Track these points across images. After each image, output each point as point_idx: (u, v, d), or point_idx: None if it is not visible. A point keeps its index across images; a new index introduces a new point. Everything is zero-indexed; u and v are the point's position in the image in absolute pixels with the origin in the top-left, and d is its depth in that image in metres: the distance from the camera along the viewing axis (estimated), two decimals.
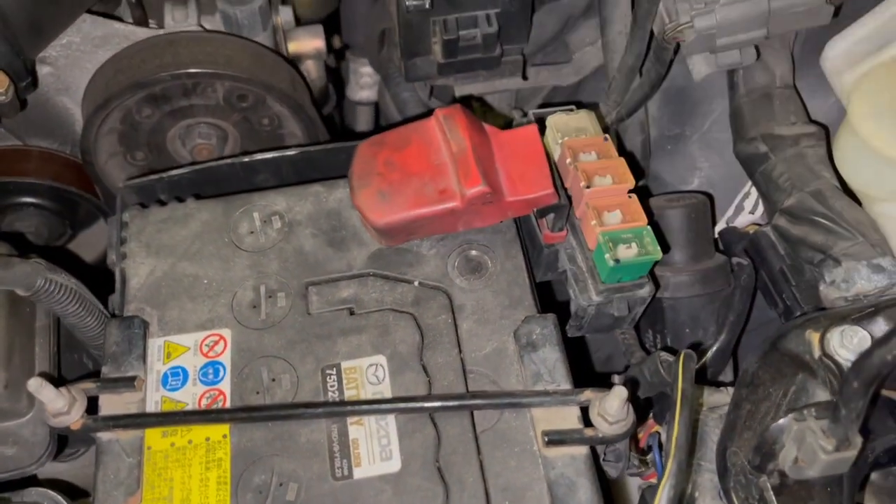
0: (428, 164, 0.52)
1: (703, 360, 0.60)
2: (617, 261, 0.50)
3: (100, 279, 0.63)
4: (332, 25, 0.89)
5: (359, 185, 0.53)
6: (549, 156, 0.55)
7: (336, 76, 0.92)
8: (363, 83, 0.94)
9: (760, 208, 0.66)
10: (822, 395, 0.46)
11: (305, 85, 0.74)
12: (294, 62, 0.76)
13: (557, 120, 0.57)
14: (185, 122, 0.70)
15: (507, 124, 0.59)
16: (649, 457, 0.61)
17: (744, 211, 0.67)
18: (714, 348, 0.60)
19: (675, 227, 0.61)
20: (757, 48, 0.58)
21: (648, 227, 0.52)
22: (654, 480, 0.60)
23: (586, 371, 0.71)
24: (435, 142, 0.53)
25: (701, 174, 0.69)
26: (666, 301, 0.61)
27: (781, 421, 0.42)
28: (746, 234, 0.63)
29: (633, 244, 0.51)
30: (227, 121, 0.70)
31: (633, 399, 0.47)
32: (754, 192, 0.67)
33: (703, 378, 0.58)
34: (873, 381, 0.37)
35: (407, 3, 0.62)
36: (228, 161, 0.62)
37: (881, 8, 0.56)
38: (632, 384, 0.54)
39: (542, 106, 0.64)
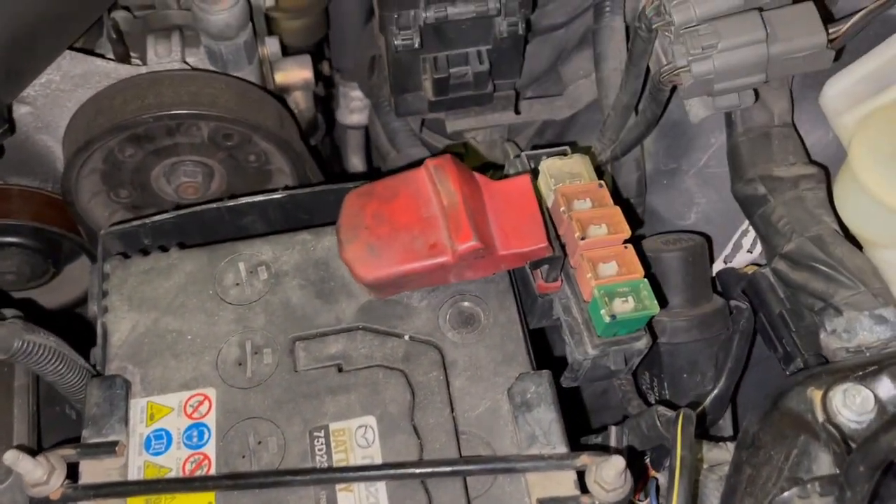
0: (418, 217, 0.51)
1: (702, 407, 0.59)
2: (613, 316, 0.49)
3: (83, 321, 0.61)
4: (320, 52, 0.88)
5: (346, 238, 0.51)
6: (541, 203, 0.53)
7: (325, 101, 0.91)
8: (353, 107, 0.92)
9: (759, 247, 0.65)
10: (825, 458, 0.45)
11: (293, 118, 0.72)
12: (281, 94, 0.75)
13: (551, 165, 0.56)
14: (170, 161, 0.68)
15: (497, 167, 0.58)
16: (645, 502, 0.59)
17: (742, 249, 0.65)
18: (712, 395, 0.59)
19: (671, 271, 0.60)
20: (755, 90, 0.57)
21: (645, 279, 0.50)
22: None
23: (579, 413, 0.70)
24: (425, 193, 0.51)
25: (698, 209, 0.67)
26: (663, 346, 0.60)
27: (785, 495, 0.41)
28: (745, 276, 0.62)
29: (630, 298, 0.50)
30: (212, 158, 0.69)
31: (630, 462, 0.45)
32: (752, 231, 0.65)
33: (702, 431, 0.57)
34: (879, 466, 0.35)
35: (396, 42, 0.60)
36: (214, 205, 0.60)
37: (882, 48, 0.55)
38: (629, 449, 0.52)
39: (534, 145, 0.62)
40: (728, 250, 0.66)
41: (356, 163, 0.97)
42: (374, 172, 0.90)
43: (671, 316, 0.60)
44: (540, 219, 0.51)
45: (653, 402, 0.62)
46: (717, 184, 0.66)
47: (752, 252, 0.65)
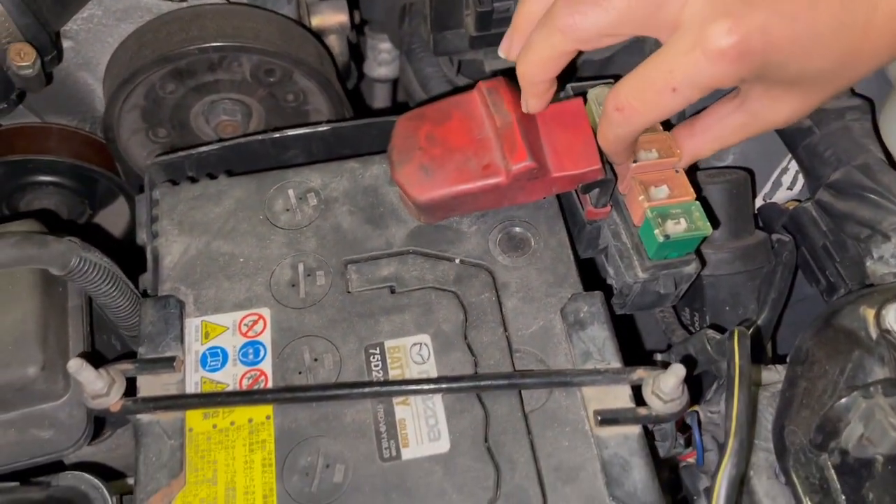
0: (471, 138, 0.51)
1: (753, 327, 0.59)
2: (667, 236, 0.49)
3: (124, 258, 0.61)
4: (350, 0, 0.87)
5: (399, 160, 0.51)
6: (592, 129, 0.53)
7: (354, 53, 0.90)
8: (381, 59, 0.92)
9: (799, 184, 0.65)
10: (880, 371, 0.45)
11: (332, 60, 0.72)
12: (318, 36, 0.75)
13: (599, 93, 0.56)
14: (210, 98, 0.68)
15: None
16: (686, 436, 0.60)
17: (782, 187, 0.66)
18: (756, 324, 0.59)
19: (715, 204, 0.60)
20: None
21: (697, 202, 0.51)
22: (692, 460, 0.59)
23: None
24: (478, 115, 0.51)
25: (736, 149, 0.67)
26: (706, 278, 0.60)
27: (846, 399, 0.41)
28: (786, 210, 0.62)
29: (682, 220, 0.50)
30: (252, 97, 0.69)
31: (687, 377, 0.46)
32: (792, 168, 0.65)
33: (755, 355, 0.57)
34: None
35: None
36: (259, 137, 0.60)
37: None
38: (687, 361, 0.53)
39: (577, 77, 0.62)
40: (767, 188, 0.66)
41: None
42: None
43: (714, 248, 0.60)
44: (593, 141, 0.51)
45: None
46: None
47: (791, 189, 0.66)
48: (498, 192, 0.51)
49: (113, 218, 0.78)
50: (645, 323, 0.70)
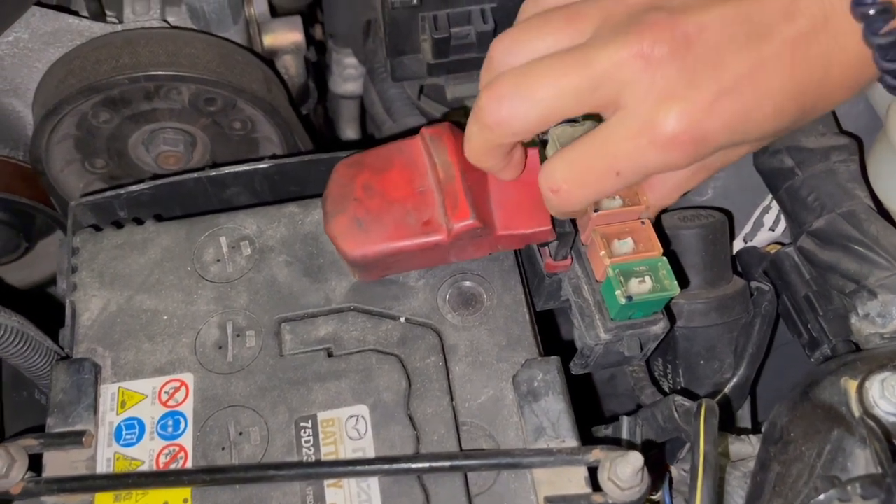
0: (411, 190, 0.46)
1: (723, 395, 0.54)
2: (629, 298, 0.44)
3: (57, 300, 0.57)
4: (312, 15, 0.83)
5: (333, 210, 0.46)
6: None
7: (318, 69, 0.85)
8: (347, 75, 0.87)
9: (782, 224, 0.60)
10: (861, 454, 0.41)
11: (282, 83, 0.67)
12: (270, 58, 0.70)
13: (561, 133, 0.50)
14: (149, 128, 0.63)
15: None
16: (658, 495, 0.56)
17: (763, 227, 0.61)
18: (732, 383, 0.55)
19: (689, 249, 0.55)
20: None
21: (664, 258, 0.46)
22: None
23: (587, 397, 0.66)
24: (420, 165, 0.46)
25: (717, 185, 0.62)
26: (679, 330, 0.56)
27: (822, 497, 0.37)
28: (767, 255, 0.57)
29: (647, 278, 0.45)
30: (194, 125, 0.64)
31: (646, 458, 0.41)
32: (775, 207, 0.61)
33: (725, 423, 0.53)
34: None
35: None
36: (194, 175, 0.55)
37: None
38: (645, 445, 0.48)
39: None
40: (748, 228, 0.62)
41: (350, 134, 0.92)
42: (369, 142, 0.85)
43: (688, 298, 0.55)
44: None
45: (666, 389, 0.58)
46: None
47: (774, 230, 0.61)
48: (438, 250, 0.46)
49: (52, 249, 0.74)
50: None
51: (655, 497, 0.56)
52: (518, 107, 0.37)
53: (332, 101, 0.92)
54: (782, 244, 0.59)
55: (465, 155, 0.44)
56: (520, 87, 0.38)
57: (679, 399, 0.48)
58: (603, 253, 0.46)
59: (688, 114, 0.35)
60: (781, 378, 0.61)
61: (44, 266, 0.74)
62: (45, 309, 0.55)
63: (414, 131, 0.48)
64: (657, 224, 0.48)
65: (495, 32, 0.60)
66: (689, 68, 0.36)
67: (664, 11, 0.36)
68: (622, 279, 0.45)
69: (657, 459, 0.53)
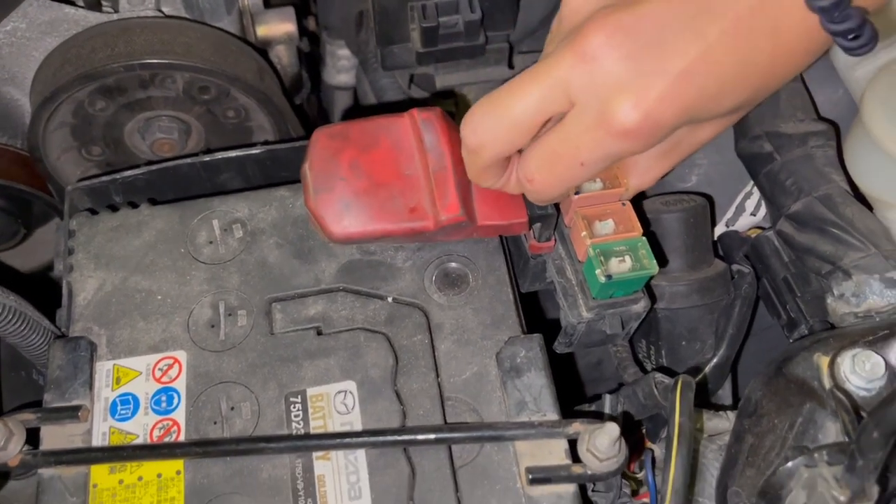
0: (398, 173, 0.47)
1: (701, 375, 0.56)
2: (609, 276, 0.46)
3: (55, 284, 0.58)
4: (305, 6, 0.84)
5: (318, 187, 0.47)
6: None
7: (311, 60, 0.87)
8: (340, 66, 0.88)
9: (763, 209, 0.62)
10: (832, 426, 0.42)
11: (275, 73, 0.68)
12: (263, 48, 0.71)
13: None
14: (144, 116, 0.64)
15: None
16: (641, 474, 0.57)
17: (745, 212, 0.62)
18: (712, 363, 0.56)
19: (671, 233, 0.57)
20: None
21: (644, 238, 0.47)
22: (646, 500, 0.56)
23: (573, 381, 0.67)
24: (407, 147, 0.48)
25: (700, 171, 0.64)
26: (661, 312, 0.57)
27: (790, 464, 0.38)
28: (748, 239, 0.59)
29: (627, 258, 0.47)
30: (189, 113, 0.65)
31: (625, 431, 0.43)
32: (756, 192, 0.62)
33: (702, 400, 0.54)
34: (894, 433, 0.33)
35: None
36: (188, 161, 0.57)
37: None
38: (625, 416, 0.49)
39: None
40: (730, 213, 0.63)
41: None
42: None
43: (670, 280, 0.57)
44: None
45: (650, 370, 0.59)
46: (720, 144, 0.62)
47: (755, 215, 0.62)
48: (422, 235, 0.48)
49: (50, 236, 0.75)
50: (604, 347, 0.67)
51: (639, 476, 0.57)
52: (489, 128, 0.41)
53: (325, 93, 0.93)
54: (762, 228, 0.60)
55: (455, 145, 0.46)
56: (487, 110, 0.41)
57: (659, 376, 0.49)
58: (584, 234, 0.47)
59: (637, 102, 0.36)
60: (762, 361, 0.62)
61: (41, 253, 0.75)
62: (41, 293, 0.56)
63: (398, 108, 0.49)
64: (638, 207, 0.49)
65: (482, 21, 0.61)
66: (632, 57, 0.37)
67: (602, 11, 0.38)
68: (602, 259, 0.46)
69: (637, 437, 0.55)
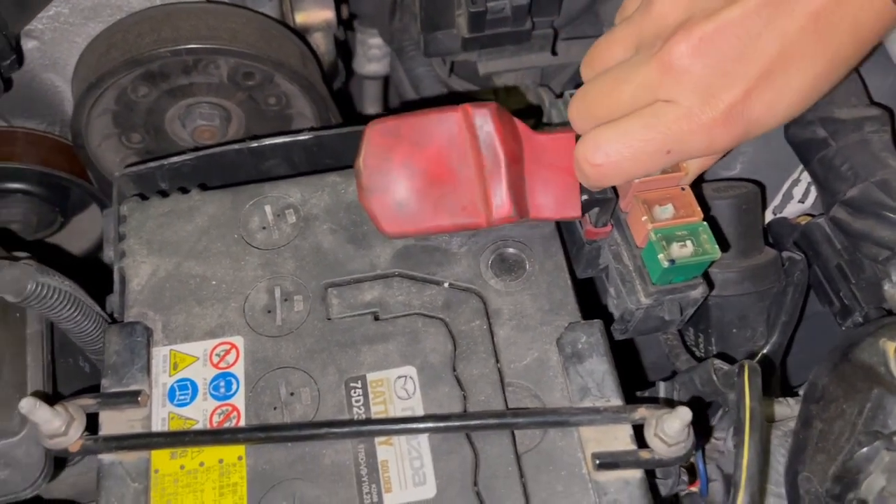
0: (451, 170, 0.47)
1: (761, 356, 0.55)
2: (672, 261, 0.45)
3: (94, 272, 0.58)
4: None
5: (371, 185, 0.47)
6: None
7: (343, 49, 0.86)
8: (371, 56, 0.88)
9: (811, 197, 0.61)
10: None
11: (316, 60, 0.68)
12: (302, 35, 0.70)
13: None
14: (186, 102, 0.64)
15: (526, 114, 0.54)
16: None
17: (793, 199, 0.62)
18: (765, 351, 0.56)
19: (723, 220, 0.56)
20: None
21: (705, 223, 0.47)
22: (695, 489, 0.56)
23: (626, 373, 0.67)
24: (461, 144, 0.47)
25: (745, 159, 0.63)
26: (712, 299, 0.57)
27: (867, 449, 0.38)
28: (798, 226, 0.58)
29: (689, 242, 0.46)
30: (230, 100, 0.64)
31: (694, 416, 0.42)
32: (804, 179, 0.61)
33: (765, 388, 0.53)
34: None
35: None
36: (235, 147, 0.56)
37: None
38: (696, 403, 0.49)
39: (576, 84, 0.58)
40: (778, 200, 0.62)
41: (373, 115, 0.93)
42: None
43: (721, 267, 0.56)
44: (577, 185, 0.47)
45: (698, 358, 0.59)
46: None
47: (803, 202, 0.62)
48: (473, 228, 0.48)
49: (86, 225, 0.74)
50: (647, 338, 0.67)
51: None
52: (610, 138, 0.43)
53: (355, 83, 0.92)
54: (812, 216, 0.60)
55: (510, 140, 0.45)
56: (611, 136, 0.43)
57: (718, 362, 0.49)
58: (645, 218, 0.47)
59: (727, 105, 0.39)
60: (809, 348, 0.62)
61: (78, 241, 0.75)
62: (84, 276, 0.56)
63: (451, 101, 0.49)
64: (696, 191, 0.49)
65: (531, 8, 0.60)
66: (716, 65, 0.39)
67: (687, 23, 0.40)
68: (664, 243, 0.46)
69: (705, 423, 0.54)
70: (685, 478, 0.50)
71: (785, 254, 0.58)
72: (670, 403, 0.47)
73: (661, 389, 0.53)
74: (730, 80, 0.40)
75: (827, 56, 0.40)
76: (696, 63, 0.40)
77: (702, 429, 0.50)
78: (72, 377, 0.55)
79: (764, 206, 0.61)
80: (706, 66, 0.39)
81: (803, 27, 0.38)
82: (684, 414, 0.40)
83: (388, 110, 0.92)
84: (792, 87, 0.40)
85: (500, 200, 0.46)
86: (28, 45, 0.61)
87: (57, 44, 0.62)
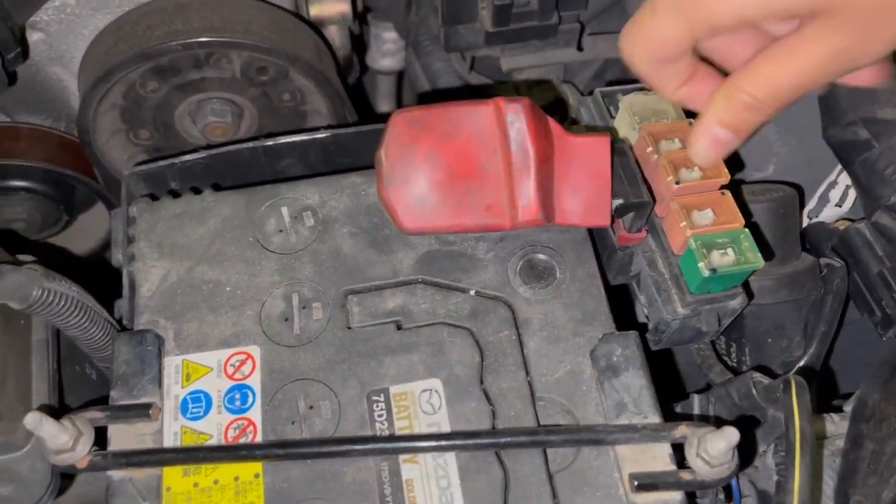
0: (477, 165, 0.44)
1: (807, 371, 0.53)
2: (713, 270, 0.43)
3: (100, 274, 0.55)
4: None
5: (392, 176, 0.44)
6: (623, 150, 0.47)
7: (357, 43, 0.83)
8: (386, 50, 0.85)
9: (849, 200, 0.59)
10: None
11: (331, 54, 0.66)
12: (317, 28, 0.68)
13: (634, 100, 0.50)
14: (196, 98, 0.61)
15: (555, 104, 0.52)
16: None
17: (829, 203, 0.59)
18: (803, 362, 0.54)
19: (759, 225, 0.54)
20: None
21: (746, 230, 0.45)
22: None
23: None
24: (489, 139, 0.44)
25: (778, 160, 0.61)
26: (747, 308, 0.54)
27: None
28: (837, 231, 0.56)
29: (730, 250, 0.44)
30: (243, 96, 0.62)
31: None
32: (842, 182, 0.59)
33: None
34: None
35: None
36: (250, 145, 0.54)
37: None
38: (741, 421, 0.47)
39: (608, 81, 0.56)
40: (813, 204, 0.60)
41: (386, 110, 0.90)
42: None
43: (757, 274, 0.54)
44: (609, 193, 0.45)
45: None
46: (800, 132, 0.60)
47: (840, 206, 0.59)
48: (495, 230, 0.45)
49: (92, 224, 0.72)
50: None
51: None
52: None
53: (368, 78, 0.90)
54: (850, 220, 0.57)
55: (541, 139, 0.43)
56: None
57: (758, 376, 0.47)
58: (683, 224, 0.45)
59: None
60: (846, 359, 0.59)
61: (83, 240, 0.72)
62: (88, 278, 0.54)
63: (470, 96, 0.46)
64: (736, 196, 0.46)
65: (558, 1, 0.58)
66: None
67: None
68: (704, 251, 0.44)
69: (752, 443, 0.52)
70: (721, 497, 0.48)
71: (823, 260, 0.55)
72: (706, 419, 0.44)
73: (696, 402, 0.50)
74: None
75: None
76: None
77: (746, 449, 0.48)
78: (78, 385, 0.53)
79: (801, 210, 0.58)
80: None
81: None
82: (731, 435, 0.37)
83: (402, 107, 0.89)
84: None
85: (527, 202, 0.44)
86: (33, 37, 0.59)
87: (63, 36, 0.60)
